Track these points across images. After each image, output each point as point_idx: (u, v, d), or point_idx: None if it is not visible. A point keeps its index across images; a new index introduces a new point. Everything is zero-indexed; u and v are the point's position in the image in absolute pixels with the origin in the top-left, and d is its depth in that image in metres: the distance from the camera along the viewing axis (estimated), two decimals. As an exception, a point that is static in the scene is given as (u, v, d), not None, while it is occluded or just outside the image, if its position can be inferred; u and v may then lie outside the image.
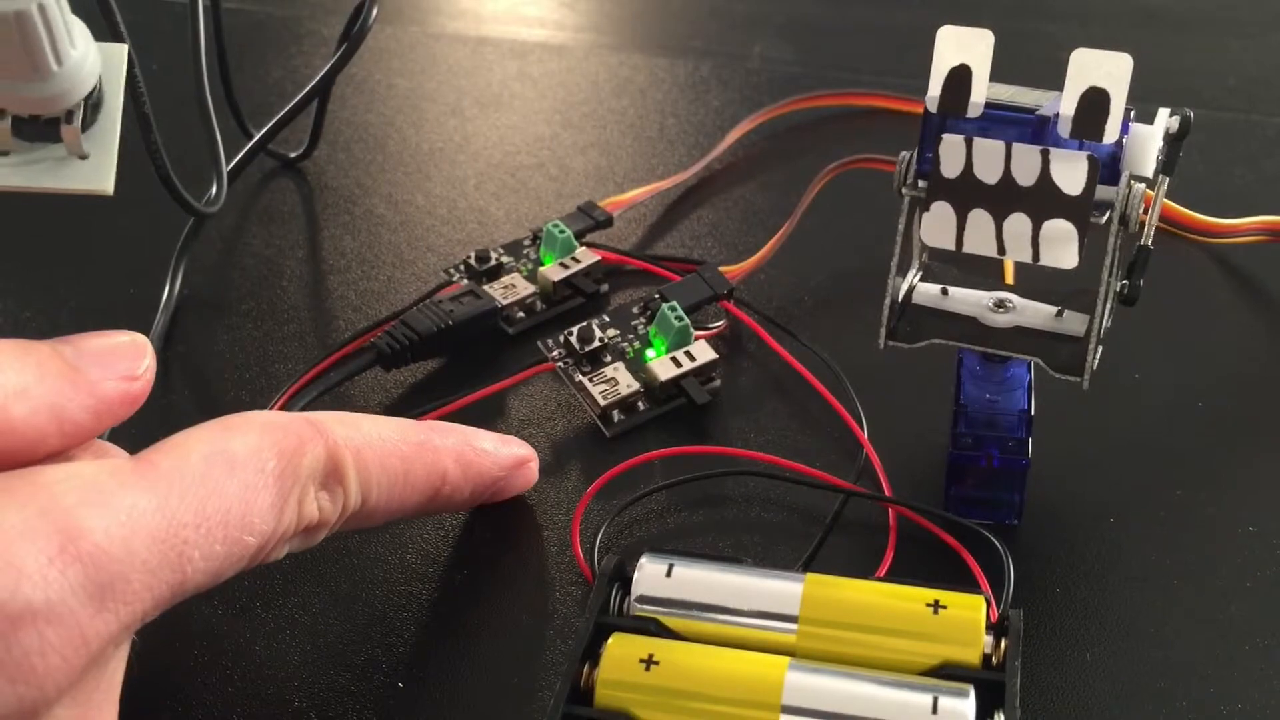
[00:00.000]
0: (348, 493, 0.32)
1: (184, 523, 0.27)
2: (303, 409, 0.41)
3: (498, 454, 0.38)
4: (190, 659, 0.36)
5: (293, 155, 0.54)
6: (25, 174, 0.31)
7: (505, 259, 0.48)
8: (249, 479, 0.29)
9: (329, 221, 0.52)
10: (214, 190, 0.45)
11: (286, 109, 0.52)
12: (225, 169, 0.46)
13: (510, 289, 0.46)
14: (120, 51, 0.32)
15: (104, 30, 0.36)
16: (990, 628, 0.32)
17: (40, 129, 0.30)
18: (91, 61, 0.30)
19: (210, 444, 0.29)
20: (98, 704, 0.27)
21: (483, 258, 0.47)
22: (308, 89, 0.51)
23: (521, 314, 0.46)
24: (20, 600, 0.25)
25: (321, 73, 0.51)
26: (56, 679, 0.25)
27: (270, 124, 0.52)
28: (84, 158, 0.31)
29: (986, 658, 0.32)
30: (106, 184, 0.31)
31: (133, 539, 0.26)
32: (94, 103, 0.31)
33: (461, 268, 0.48)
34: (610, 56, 0.62)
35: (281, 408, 0.42)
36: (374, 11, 0.49)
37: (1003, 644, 0.32)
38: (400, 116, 0.58)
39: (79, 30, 0.30)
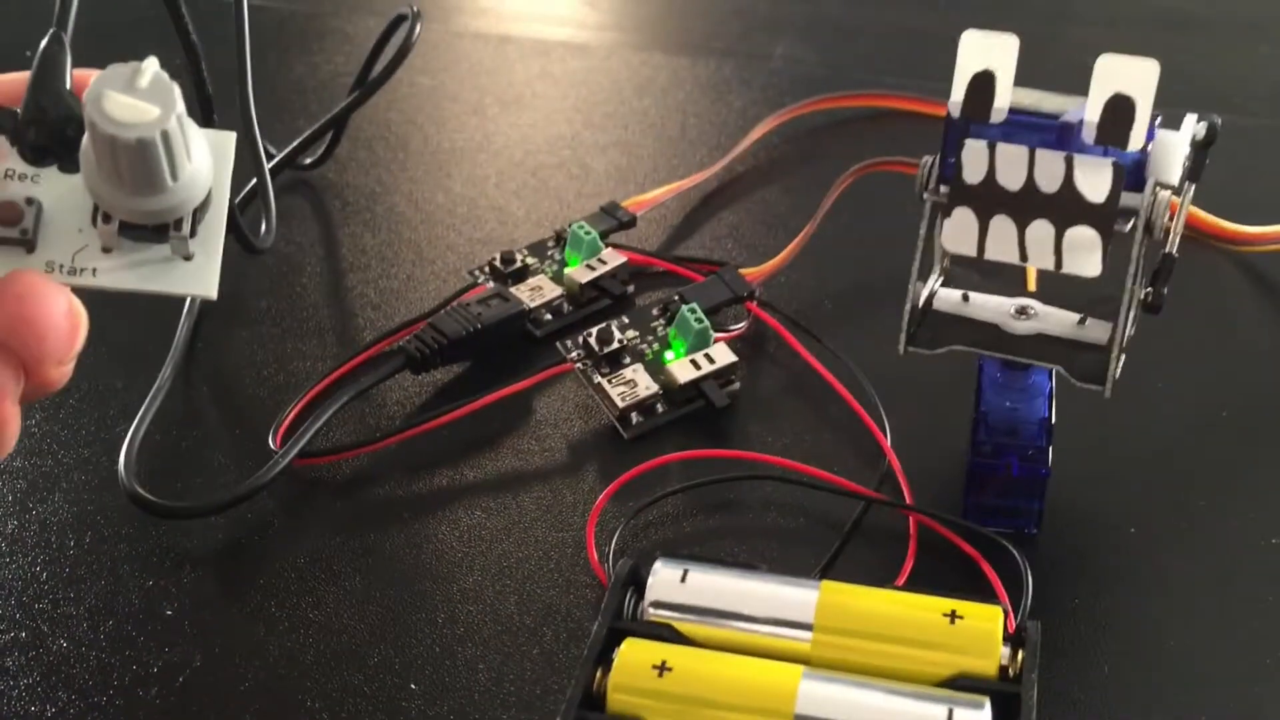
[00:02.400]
0: None
1: None
2: (332, 414, 0.41)
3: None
4: (203, 657, 0.36)
5: (308, 162, 0.54)
6: (128, 276, 0.29)
7: (530, 260, 0.48)
8: None
9: (349, 219, 0.52)
10: (263, 228, 0.45)
11: (308, 132, 0.52)
12: (274, 207, 0.45)
13: (537, 291, 0.46)
14: (227, 141, 0.30)
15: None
16: (1007, 639, 0.32)
17: (146, 231, 0.29)
18: (205, 173, 0.29)
19: None
20: None
21: (507, 259, 0.47)
22: (330, 115, 0.51)
23: (549, 316, 0.46)
24: None
25: (343, 103, 0.51)
26: None
27: (290, 146, 0.52)
28: (188, 259, 0.29)
29: (1003, 669, 0.32)
30: (210, 289, 0.29)
31: None
32: (202, 206, 0.29)
33: (486, 269, 0.48)
34: (632, 56, 0.62)
35: (305, 407, 0.42)
36: (416, 29, 0.49)
37: (1020, 655, 0.32)
38: (422, 115, 0.58)
39: (196, 141, 0.28)
